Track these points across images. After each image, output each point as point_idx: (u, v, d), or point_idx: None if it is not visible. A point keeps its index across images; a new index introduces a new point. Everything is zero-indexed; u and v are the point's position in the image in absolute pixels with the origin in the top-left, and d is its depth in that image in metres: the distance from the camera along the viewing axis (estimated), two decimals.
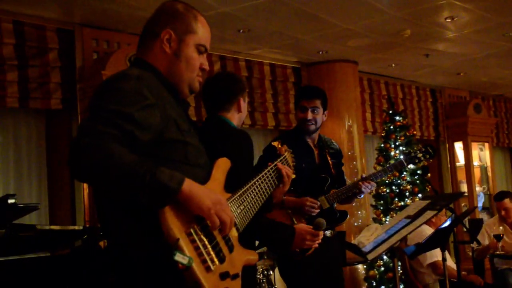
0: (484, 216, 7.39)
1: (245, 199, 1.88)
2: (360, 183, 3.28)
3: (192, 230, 1.52)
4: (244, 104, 2.59)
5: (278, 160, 2.26)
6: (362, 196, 3.39)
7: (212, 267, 1.53)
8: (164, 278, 1.53)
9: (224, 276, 1.58)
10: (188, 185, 1.51)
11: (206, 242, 1.55)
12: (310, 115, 3.34)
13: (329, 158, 3.40)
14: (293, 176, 2.26)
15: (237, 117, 2.56)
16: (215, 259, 1.56)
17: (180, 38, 1.74)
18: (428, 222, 4.62)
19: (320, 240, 2.32)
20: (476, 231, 5.28)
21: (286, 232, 2.32)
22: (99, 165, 1.43)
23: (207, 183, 1.68)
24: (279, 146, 2.40)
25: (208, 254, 1.54)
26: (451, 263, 4.68)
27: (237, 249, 1.71)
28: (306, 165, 3.30)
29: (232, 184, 1.84)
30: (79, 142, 1.46)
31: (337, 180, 3.42)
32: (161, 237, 1.48)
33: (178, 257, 1.44)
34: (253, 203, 1.93)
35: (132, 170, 1.44)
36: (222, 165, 1.81)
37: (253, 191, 1.96)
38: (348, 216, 3.36)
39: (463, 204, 7.60)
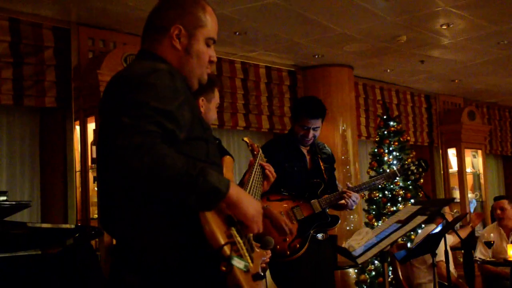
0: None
1: (250, 194, 1.91)
2: (345, 194, 3.26)
3: (231, 232, 1.53)
4: (207, 104, 2.49)
5: (258, 157, 2.28)
6: (347, 210, 3.36)
7: (250, 269, 1.54)
8: (203, 281, 1.52)
9: (256, 277, 1.59)
10: (235, 189, 1.53)
11: (242, 244, 1.56)
12: (311, 134, 3.31)
13: (321, 163, 3.40)
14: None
15: None
16: (249, 260, 1.57)
17: (190, 33, 1.70)
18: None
19: (267, 260, 2.25)
20: (468, 238, 5.31)
21: None
22: (153, 166, 1.41)
23: None
24: (251, 142, 2.40)
25: (245, 255, 1.55)
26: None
27: (255, 250, 1.72)
28: (298, 168, 3.31)
29: None
30: (129, 142, 1.42)
31: (329, 185, 3.43)
32: (201, 240, 1.47)
33: (235, 261, 1.46)
34: (256, 198, 1.98)
35: (186, 171, 1.43)
36: (229, 163, 1.82)
37: (254, 186, 2.01)
38: (340, 221, 3.37)
39: (455, 210, 7.63)
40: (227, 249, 1.46)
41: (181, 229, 1.52)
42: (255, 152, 2.33)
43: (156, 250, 1.52)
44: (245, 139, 2.43)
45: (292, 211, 3.23)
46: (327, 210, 3.34)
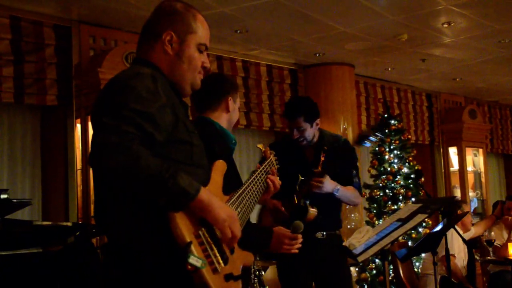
0: (476, 221, 7.42)
1: (241, 201, 1.91)
2: (311, 181, 3.07)
3: (200, 233, 1.57)
4: (233, 105, 2.51)
5: (265, 163, 2.26)
6: (323, 191, 3.10)
7: (218, 269, 1.58)
8: (171, 279, 1.56)
9: (228, 277, 1.62)
10: (207, 194, 1.58)
11: (213, 245, 1.60)
12: (296, 134, 3.21)
13: (322, 155, 3.14)
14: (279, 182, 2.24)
15: (225, 117, 2.49)
16: (221, 261, 1.60)
17: (181, 39, 1.77)
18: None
19: (299, 245, 2.22)
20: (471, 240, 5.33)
21: (264, 235, 2.31)
22: (127, 166, 1.48)
23: (208, 185, 1.71)
24: (264, 148, 2.39)
25: (215, 256, 1.59)
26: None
27: (236, 251, 1.74)
28: (293, 170, 3.08)
29: (226, 187, 1.86)
30: (107, 141, 1.48)
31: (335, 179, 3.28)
32: (170, 239, 1.52)
33: (192, 259, 1.48)
34: (249, 205, 1.97)
35: (157, 174, 1.49)
36: (220, 167, 1.84)
37: (248, 193, 1.99)
38: (309, 212, 3.07)
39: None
40: (193, 248, 1.51)
41: (159, 227, 1.56)
42: (267, 159, 2.31)
43: (136, 246, 1.58)
44: (260, 146, 2.43)
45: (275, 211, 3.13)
46: (308, 202, 3.10)
